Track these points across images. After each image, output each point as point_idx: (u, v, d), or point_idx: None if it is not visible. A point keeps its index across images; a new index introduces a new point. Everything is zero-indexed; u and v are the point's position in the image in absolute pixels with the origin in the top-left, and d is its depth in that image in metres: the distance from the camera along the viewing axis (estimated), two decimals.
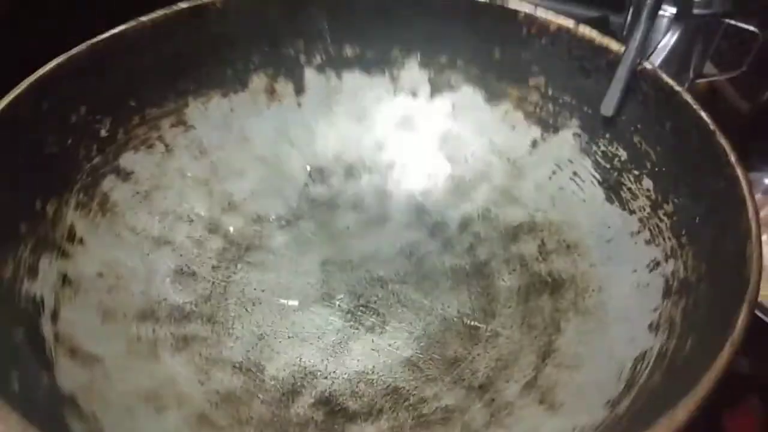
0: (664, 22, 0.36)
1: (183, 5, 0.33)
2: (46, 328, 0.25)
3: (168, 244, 0.32)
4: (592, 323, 0.28)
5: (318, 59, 0.37)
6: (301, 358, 0.29)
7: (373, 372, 0.29)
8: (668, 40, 0.37)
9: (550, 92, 0.35)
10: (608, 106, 0.31)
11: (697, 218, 0.26)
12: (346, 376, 0.29)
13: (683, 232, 0.27)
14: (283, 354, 0.29)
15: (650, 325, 0.25)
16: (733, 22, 0.36)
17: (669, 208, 0.28)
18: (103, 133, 0.32)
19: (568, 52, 0.33)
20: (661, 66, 0.33)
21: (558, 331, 0.29)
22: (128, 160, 0.33)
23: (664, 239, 0.27)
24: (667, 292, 0.25)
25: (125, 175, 0.33)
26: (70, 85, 0.30)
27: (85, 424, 0.22)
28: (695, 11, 0.36)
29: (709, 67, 0.40)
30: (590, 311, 0.28)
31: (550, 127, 0.35)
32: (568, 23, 0.33)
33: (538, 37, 0.34)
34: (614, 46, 0.31)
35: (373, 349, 0.30)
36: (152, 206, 0.33)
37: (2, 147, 0.26)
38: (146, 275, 0.31)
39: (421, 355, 0.29)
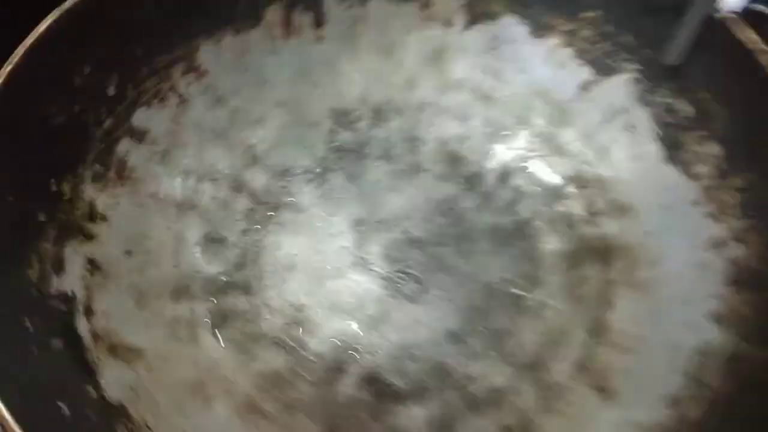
0: None
1: None
2: (83, 328, 0.24)
3: (193, 208, 0.30)
4: (647, 301, 0.27)
5: None
6: (342, 331, 0.28)
7: (417, 347, 0.28)
8: None
9: (606, 28, 0.31)
10: (673, 53, 0.27)
11: None
12: (389, 351, 0.28)
13: (754, 213, 0.25)
14: (324, 326, 0.29)
15: (711, 315, 0.24)
16: None
17: (739, 182, 0.26)
18: (111, 91, 0.29)
19: None
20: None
21: (609, 306, 0.28)
22: (141, 117, 0.30)
23: (731, 217, 0.25)
24: (732, 280, 0.24)
25: (140, 135, 0.30)
26: (69, 43, 0.27)
27: None
28: None
29: None
30: (644, 287, 0.27)
31: (604, 68, 0.31)
32: None
33: None
34: None
35: (416, 320, 0.29)
36: (172, 167, 0.31)
37: (4, 126, 0.24)
38: (175, 246, 0.29)
39: (465, 327, 0.29)
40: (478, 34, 0.34)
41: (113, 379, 0.23)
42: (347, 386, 0.27)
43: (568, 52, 0.32)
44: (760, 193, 0.25)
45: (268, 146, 0.33)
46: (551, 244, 0.30)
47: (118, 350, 0.24)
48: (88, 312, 0.24)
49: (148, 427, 0.22)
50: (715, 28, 0.26)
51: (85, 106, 0.27)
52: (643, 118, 0.30)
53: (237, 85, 0.33)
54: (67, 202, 0.26)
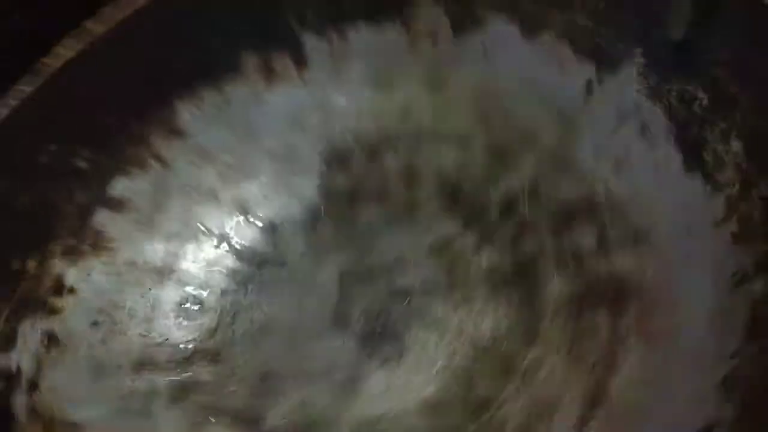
0: None
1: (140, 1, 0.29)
2: (19, 404, 0.24)
3: (173, 273, 0.30)
4: (658, 358, 0.20)
5: (311, 17, 0.31)
6: (305, 402, 0.25)
7: (384, 419, 0.24)
8: None
9: (602, 7, 0.25)
10: (675, 28, 0.21)
11: None
12: (353, 425, 0.24)
13: None
14: (288, 396, 0.26)
15: (723, 382, 0.16)
16: None
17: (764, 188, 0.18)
18: (83, 165, 0.29)
19: None
20: None
21: (613, 367, 0.21)
22: (119, 187, 0.30)
23: (757, 238, 0.18)
24: (752, 331, 0.17)
25: (118, 205, 0.30)
26: (32, 123, 0.27)
27: None
28: None
29: None
30: (657, 338, 0.20)
31: (606, 60, 0.25)
32: None
33: None
34: None
35: (388, 388, 0.25)
36: (155, 233, 0.30)
37: None
38: (148, 314, 0.28)
39: (442, 395, 0.24)
40: (467, 43, 0.29)
41: None
42: None
43: (564, 45, 0.27)
44: None
45: (258, 200, 0.32)
46: (556, 286, 0.25)
47: (53, 427, 0.24)
48: (32, 387, 0.24)
49: None
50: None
51: (52, 185, 0.28)
52: (657, 114, 0.23)
53: (223, 141, 0.32)
54: (31, 278, 0.26)
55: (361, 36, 0.31)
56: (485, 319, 0.25)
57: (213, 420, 0.25)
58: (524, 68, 0.28)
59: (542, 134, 0.27)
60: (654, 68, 0.23)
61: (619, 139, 0.25)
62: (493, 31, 0.28)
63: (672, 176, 0.22)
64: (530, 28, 0.27)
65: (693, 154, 0.22)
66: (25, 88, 0.27)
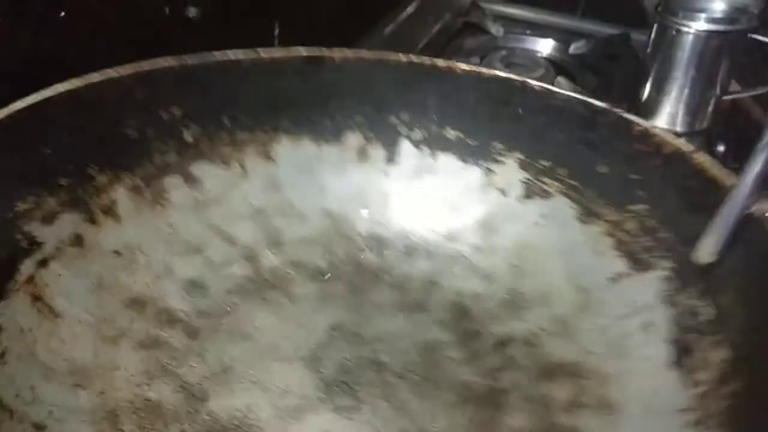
0: (689, 39, 0.34)
1: (302, 50, 0.35)
2: (26, 267, 0.25)
3: (198, 253, 0.32)
4: None
5: (418, 134, 0.36)
6: (249, 407, 0.26)
7: None
8: (693, 58, 0.35)
9: (650, 222, 0.29)
10: (704, 252, 0.24)
11: None
12: None
13: (730, 422, 0.19)
14: (236, 395, 0.26)
15: None
16: (759, 37, 0.34)
17: (736, 387, 0.20)
18: (187, 137, 0.33)
19: (681, 180, 0.28)
20: (687, 82, 0.29)
21: None
22: (201, 169, 0.34)
23: (711, 426, 0.20)
24: None
25: (192, 181, 0.34)
26: (175, 85, 0.32)
27: None
28: (721, 27, 0.35)
29: (733, 85, 0.38)
30: None
31: (640, 262, 0.29)
32: (687, 147, 0.28)
33: (651, 157, 0.29)
34: (729, 181, 0.25)
35: (326, 430, 0.25)
36: (203, 217, 0.33)
37: (79, 109, 0.29)
38: (160, 272, 0.30)
39: None
40: (530, 208, 0.34)
41: (13, 312, 0.24)
42: None
43: (608, 241, 0.30)
44: (747, 401, 0.19)
45: (296, 238, 0.35)
46: (516, 421, 0.26)
47: (39, 302, 0.25)
48: (43, 263, 0.26)
49: (2, 357, 0.22)
50: (750, 226, 0.24)
51: (158, 136, 0.32)
52: (664, 318, 0.26)
53: (296, 182, 0.36)
54: (94, 187, 0.29)
55: (449, 163, 0.36)
56: (442, 419, 0.26)
57: (164, 378, 0.26)
58: (567, 244, 0.32)
59: (559, 299, 0.30)
60: (678, 278, 0.26)
61: (624, 326, 0.27)
62: (555, 207, 0.33)
63: (657, 368, 0.25)
64: (586, 215, 0.31)
65: (683, 356, 0.24)
66: None
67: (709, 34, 0.34)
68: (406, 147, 0.36)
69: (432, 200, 0.36)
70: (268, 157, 0.36)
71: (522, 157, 0.34)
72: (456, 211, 0.35)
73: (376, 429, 0.25)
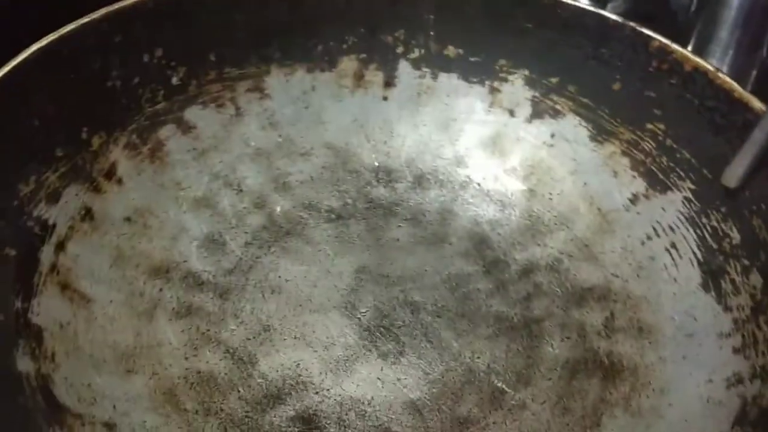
0: None
1: None
2: (46, 255, 0.24)
3: (209, 207, 0.31)
4: (640, 429, 0.22)
5: (416, 53, 0.34)
6: (299, 364, 0.26)
7: (369, 404, 0.25)
8: (740, 17, 0.33)
9: (668, 142, 0.29)
10: (732, 176, 0.25)
11: None
12: (338, 399, 0.25)
13: None
14: (282, 353, 0.26)
15: None
16: None
17: None
18: (175, 80, 0.31)
19: (701, 99, 0.28)
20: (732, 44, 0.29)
21: (596, 426, 0.23)
22: (194, 113, 0.31)
23: (756, 353, 0.22)
24: (740, 419, 0.20)
25: (187, 128, 0.31)
26: (151, 24, 0.29)
27: (36, 362, 0.20)
28: None
29: None
30: (642, 414, 0.23)
31: (658, 183, 0.29)
32: (707, 66, 0.27)
33: (669, 75, 0.29)
34: (756, 104, 0.25)
35: (378, 378, 0.26)
36: (205, 166, 0.32)
37: (58, 68, 0.26)
38: (175, 232, 0.29)
39: (428, 402, 0.25)
40: (539, 128, 0.33)
41: (47, 308, 0.22)
42: (278, 417, 0.24)
43: (624, 161, 0.31)
44: None
45: (303, 179, 0.33)
46: (556, 348, 0.27)
47: (68, 289, 0.24)
48: (60, 247, 0.25)
49: (53, 359, 0.21)
50: None
51: (145, 82, 0.29)
52: (688, 240, 0.27)
53: (294, 117, 0.34)
54: (91, 152, 0.27)
55: (451, 82, 0.34)
56: (484, 353, 0.27)
57: (208, 346, 0.26)
58: (581, 165, 0.32)
59: (578, 222, 0.31)
60: (698, 200, 0.27)
61: (647, 248, 0.28)
62: (566, 126, 0.32)
63: (688, 291, 0.26)
64: (600, 134, 0.31)
65: (713, 279, 0.25)
66: None
67: None
68: (404, 68, 0.35)
69: (436, 124, 0.35)
70: (261, 92, 0.33)
71: (529, 74, 0.33)
72: (462, 135, 0.35)
73: (424, 371, 0.26)
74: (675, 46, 0.28)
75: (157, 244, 0.28)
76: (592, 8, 0.30)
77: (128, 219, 0.28)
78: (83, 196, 0.26)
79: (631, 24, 0.29)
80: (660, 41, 0.29)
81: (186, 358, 0.25)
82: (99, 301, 0.24)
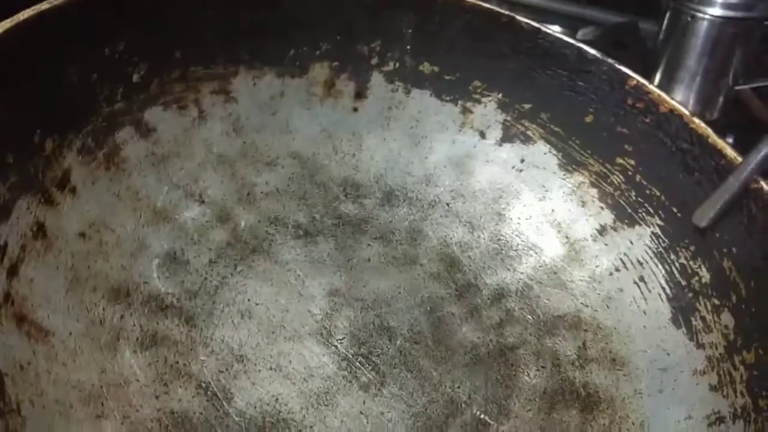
0: (704, 25, 0.34)
1: None
2: None
3: (169, 221, 0.28)
4: None
5: (390, 66, 0.33)
6: (278, 399, 0.25)
7: None
8: (707, 45, 0.34)
9: (638, 178, 0.30)
10: (703, 216, 0.26)
11: None
12: None
13: (764, 393, 0.22)
14: (259, 387, 0.25)
15: None
16: None
17: (750, 357, 0.23)
18: (136, 78, 0.28)
19: (674, 140, 0.29)
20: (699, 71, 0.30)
21: None
22: (154, 115, 0.29)
23: (735, 392, 0.23)
24: None
25: (146, 131, 0.28)
26: (115, 14, 0.26)
27: (3, 418, 0.17)
28: (737, 14, 0.34)
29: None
30: None
31: (626, 217, 0.30)
32: (683, 109, 0.29)
33: (644, 114, 0.30)
34: (729, 152, 0.27)
35: (361, 413, 0.25)
36: (164, 173, 0.29)
37: (12, 60, 0.22)
38: (133, 249, 0.26)
39: None
40: (509, 152, 0.33)
41: (5, 347, 0.19)
42: None
43: (593, 192, 0.32)
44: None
45: (268, 190, 0.31)
46: (533, 378, 0.27)
47: (25, 323, 0.21)
48: (12, 272, 0.21)
49: (18, 410, 0.18)
50: (756, 200, 0.26)
51: (102, 79, 0.26)
52: (656, 274, 0.28)
53: (260, 123, 0.32)
54: (44, 158, 0.24)
55: (423, 99, 0.34)
56: (464, 382, 0.27)
57: (179, 381, 0.24)
58: (548, 191, 0.33)
59: (546, 249, 0.32)
60: (667, 237, 0.29)
61: (616, 279, 0.30)
62: (536, 153, 0.33)
63: (658, 325, 0.27)
64: (569, 164, 0.32)
65: (683, 315, 0.27)
66: None
67: (725, 20, 0.33)
68: (377, 80, 0.33)
69: (406, 140, 0.34)
70: (227, 95, 0.31)
71: (502, 97, 0.33)
72: (432, 153, 0.34)
73: (407, 403, 0.26)
74: (652, 87, 0.29)
75: (115, 262, 0.25)
76: (572, 41, 0.31)
77: (83, 234, 0.25)
78: (35, 209, 0.23)
79: (610, 60, 0.30)
80: (637, 80, 0.30)
81: (156, 397, 0.23)
82: (58, 334, 0.21)
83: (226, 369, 0.25)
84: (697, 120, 0.28)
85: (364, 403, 0.25)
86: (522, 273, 0.31)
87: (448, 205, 0.33)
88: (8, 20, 0.22)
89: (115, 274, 0.25)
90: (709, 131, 0.27)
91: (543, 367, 0.28)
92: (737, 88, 0.35)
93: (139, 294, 0.25)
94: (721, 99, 0.35)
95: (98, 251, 0.25)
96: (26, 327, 0.20)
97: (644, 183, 0.30)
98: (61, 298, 0.23)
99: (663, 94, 0.29)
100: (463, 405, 0.26)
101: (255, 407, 0.24)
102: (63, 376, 0.21)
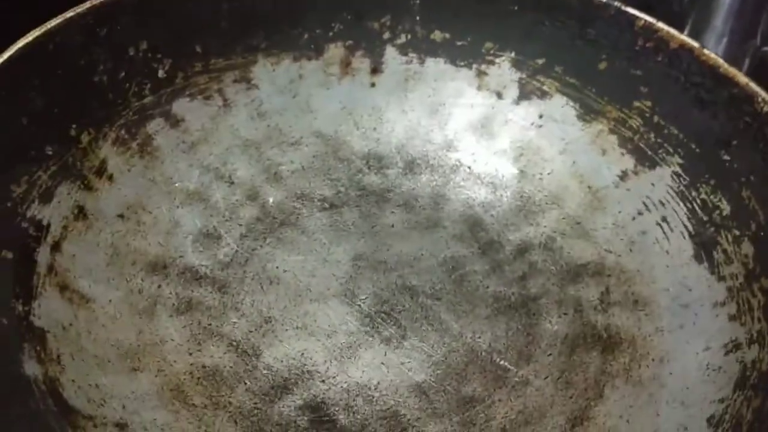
0: None
1: None
2: (42, 257, 0.23)
3: (201, 201, 0.30)
4: (642, 398, 0.23)
5: (403, 38, 0.34)
6: (303, 353, 0.26)
7: (376, 388, 0.25)
8: (735, 5, 0.33)
9: (655, 119, 0.30)
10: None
11: None
12: (345, 385, 0.25)
13: None
14: (286, 344, 0.26)
15: (710, 419, 0.20)
16: None
17: (767, 282, 0.22)
18: (161, 73, 0.30)
19: (686, 76, 0.28)
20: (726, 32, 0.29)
21: (599, 397, 0.24)
22: (182, 106, 0.31)
23: (752, 319, 0.22)
24: (740, 384, 0.20)
25: (175, 122, 0.31)
26: (135, 16, 0.29)
27: (43, 365, 0.20)
28: None
29: None
30: (643, 383, 0.24)
31: (646, 159, 0.30)
32: (692, 43, 0.28)
33: (655, 53, 0.29)
34: (742, 78, 0.26)
35: (383, 363, 0.26)
36: (195, 159, 0.31)
37: (45, 64, 0.25)
38: (169, 228, 0.29)
39: (433, 384, 0.26)
40: (527, 109, 0.34)
41: (48, 310, 0.22)
42: (286, 406, 0.25)
43: (612, 139, 0.31)
44: None
45: (294, 168, 0.33)
46: (554, 324, 0.28)
47: (67, 290, 0.23)
48: (56, 247, 0.24)
49: (59, 362, 0.21)
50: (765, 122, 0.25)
51: (131, 76, 0.29)
52: (678, 213, 0.28)
53: (282, 106, 0.34)
54: (80, 149, 0.27)
55: (438, 67, 0.35)
56: (484, 333, 0.27)
57: (211, 340, 0.26)
58: (569, 144, 0.32)
59: (569, 200, 0.31)
60: (687, 174, 0.28)
61: (639, 223, 0.29)
62: (553, 106, 0.33)
63: (681, 263, 0.27)
64: (587, 114, 0.32)
65: (705, 250, 0.26)
66: None
67: None
68: (391, 54, 0.35)
69: (425, 109, 0.35)
70: (248, 82, 0.33)
71: (515, 56, 0.33)
72: (451, 119, 0.35)
73: (427, 353, 0.27)
74: (660, 24, 0.29)
75: (152, 240, 0.28)
76: None
77: (121, 216, 0.28)
78: (75, 194, 0.26)
79: (616, 3, 0.30)
80: (645, 20, 0.29)
81: (190, 354, 0.25)
82: (99, 301, 0.24)
83: (255, 329, 0.27)
84: (707, 51, 0.27)
85: (385, 354, 0.27)
86: (546, 226, 0.31)
87: (469, 168, 0.34)
88: (37, 29, 0.24)
89: (153, 249, 0.28)
90: (720, 61, 0.26)
91: (565, 314, 0.28)
92: (764, 49, 0.33)
93: (175, 266, 0.28)
94: (747, 60, 0.33)
95: (136, 230, 0.28)
96: (68, 294, 0.23)
97: (662, 123, 0.29)
98: (102, 270, 0.25)
99: (672, 30, 0.28)
100: (483, 353, 0.27)
101: (281, 361, 0.26)
102: (102, 336, 0.23)
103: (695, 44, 0.27)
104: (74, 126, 0.26)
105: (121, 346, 0.24)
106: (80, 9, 0.26)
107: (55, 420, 0.20)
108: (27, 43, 0.24)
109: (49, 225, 0.24)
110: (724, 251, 0.25)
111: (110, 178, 0.28)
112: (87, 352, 0.22)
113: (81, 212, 0.26)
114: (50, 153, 0.25)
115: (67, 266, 0.24)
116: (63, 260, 0.24)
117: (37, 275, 0.23)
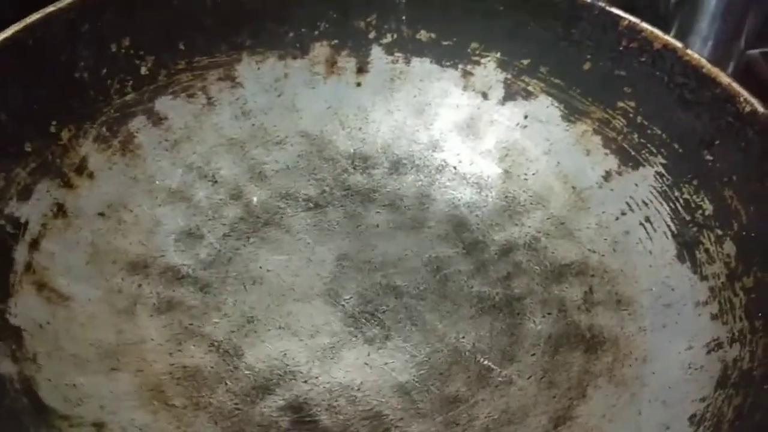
0: None
1: None
2: (20, 254, 0.23)
3: (184, 200, 0.30)
4: (625, 398, 0.23)
5: (388, 38, 0.34)
6: (285, 354, 0.26)
7: (359, 389, 0.25)
8: (720, 8, 0.33)
9: (639, 119, 0.30)
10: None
11: None
12: (327, 386, 0.25)
13: (760, 315, 0.21)
14: (268, 344, 0.26)
15: (692, 417, 0.20)
16: None
17: (749, 282, 0.23)
18: (144, 70, 0.30)
19: (669, 76, 0.28)
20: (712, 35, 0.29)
21: (582, 397, 0.24)
22: (165, 104, 0.31)
23: (734, 318, 0.22)
24: (722, 382, 0.20)
25: (158, 119, 0.31)
26: (118, 12, 0.28)
27: (18, 364, 0.20)
28: None
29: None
30: (626, 383, 0.24)
31: (630, 160, 0.30)
32: (676, 43, 0.28)
33: (638, 53, 0.29)
34: (724, 79, 0.26)
35: (366, 363, 0.26)
36: (178, 157, 0.31)
37: (25, 60, 0.25)
38: (151, 227, 0.29)
39: (417, 384, 0.26)
40: (512, 109, 0.34)
41: (25, 309, 0.22)
42: (268, 407, 0.24)
43: (596, 139, 0.31)
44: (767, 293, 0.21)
45: (278, 168, 0.33)
46: (538, 324, 0.28)
47: (45, 289, 0.23)
48: (34, 245, 0.24)
49: (35, 361, 0.20)
50: (752, 124, 0.25)
51: (113, 73, 0.28)
52: (661, 213, 0.28)
53: (267, 105, 0.34)
54: (61, 146, 0.26)
55: (424, 67, 0.35)
56: (468, 333, 0.27)
57: (192, 340, 0.25)
58: (554, 145, 0.32)
59: (553, 201, 0.31)
60: (670, 174, 0.28)
61: (622, 223, 0.29)
62: (538, 107, 0.33)
63: (664, 262, 0.27)
64: (572, 114, 0.32)
65: (687, 250, 0.26)
66: None
67: None
68: (377, 53, 0.34)
69: (410, 109, 0.35)
70: (232, 80, 0.33)
71: (501, 56, 0.33)
72: (437, 119, 0.35)
73: (411, 354, 0.26)
74: (644, 25, 0.29)
75: (133, 239, 0.28)
76: None
77: (102, 214, 0.27)
78: (55, 192, 0.25)
79: (601, 4, 0.30)
80: (629, 20, 0.29)
81: (170, 354, 0.25)
82: (77, 300, 0.24)
83: (238, 329, 0.27)
84: (690, 52, 0.27)
85: (368, 355, 0.26)
86: (530, 227, 0.31)
87: (455, 168, 0.34)
88: (17, 24, 0.24)
89: (134, 248, 0.27)
90: (703, 61, 0.27)
91: (549, 313, 0.28)
92: (749, 52, 0.33)
93: (156, 266, 0.27)
94: (733, 62, 0.34)
95: (117, 229, 0.27)
96: (46, 293, 0.23)
97: (645, 123, 0.29)
98: (82, 269, 0.25)
99: (656, 30, 0.28)
100: (467, 353, 0.27)
101: (263, 362, 0.26)
102: (81, 335, 0.23)
103: (678, 44, 0.28)
104: (54, 123, 0.26)
105: (99, 346, 0.23)
106: (61, 4, 0.26)
107: (29, 419, 0.19)
108: (6, 38, 0.24)
109: (27, 222, 0.24)
110: (707, 251, 0.25)
111: (91, 175, 0.27)
112: (64, 351, 0.22)
113: (60, 210, 0.25)
114: (29, 150, 0.25)
115: (46, 264, 0.24)
116: (41, 258, 0.24)
117: (14, 273, 0.23)
